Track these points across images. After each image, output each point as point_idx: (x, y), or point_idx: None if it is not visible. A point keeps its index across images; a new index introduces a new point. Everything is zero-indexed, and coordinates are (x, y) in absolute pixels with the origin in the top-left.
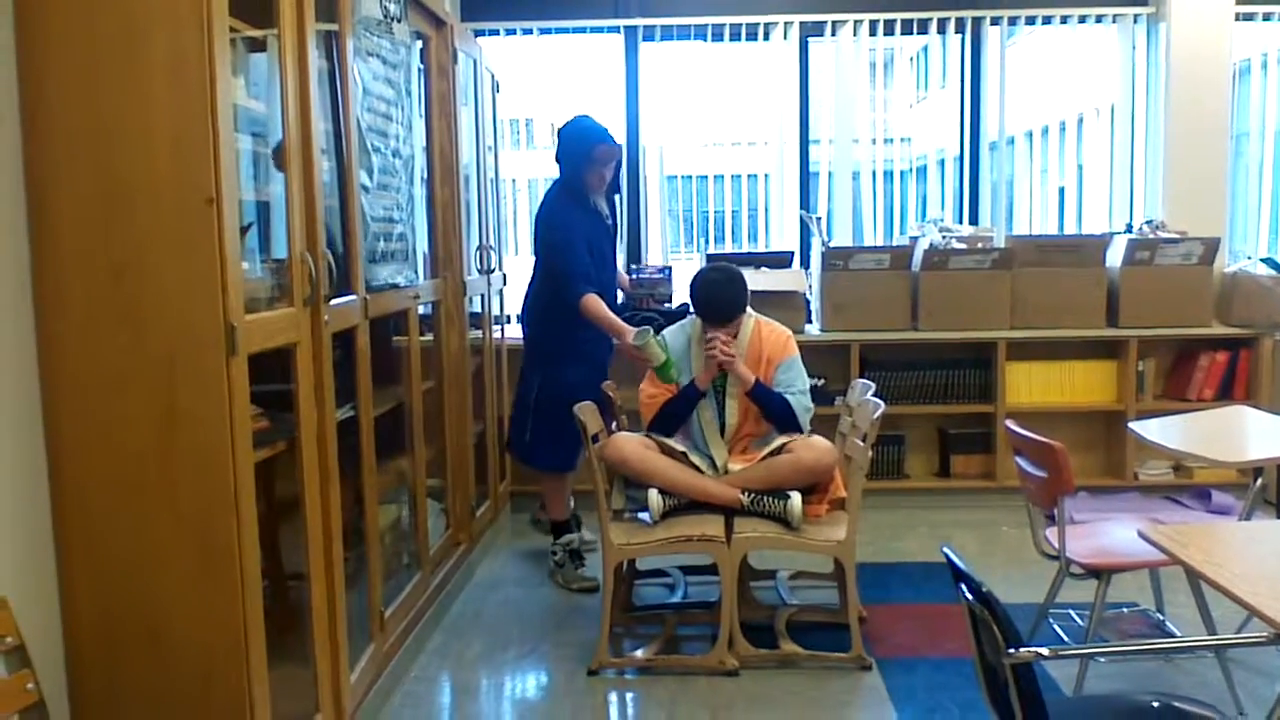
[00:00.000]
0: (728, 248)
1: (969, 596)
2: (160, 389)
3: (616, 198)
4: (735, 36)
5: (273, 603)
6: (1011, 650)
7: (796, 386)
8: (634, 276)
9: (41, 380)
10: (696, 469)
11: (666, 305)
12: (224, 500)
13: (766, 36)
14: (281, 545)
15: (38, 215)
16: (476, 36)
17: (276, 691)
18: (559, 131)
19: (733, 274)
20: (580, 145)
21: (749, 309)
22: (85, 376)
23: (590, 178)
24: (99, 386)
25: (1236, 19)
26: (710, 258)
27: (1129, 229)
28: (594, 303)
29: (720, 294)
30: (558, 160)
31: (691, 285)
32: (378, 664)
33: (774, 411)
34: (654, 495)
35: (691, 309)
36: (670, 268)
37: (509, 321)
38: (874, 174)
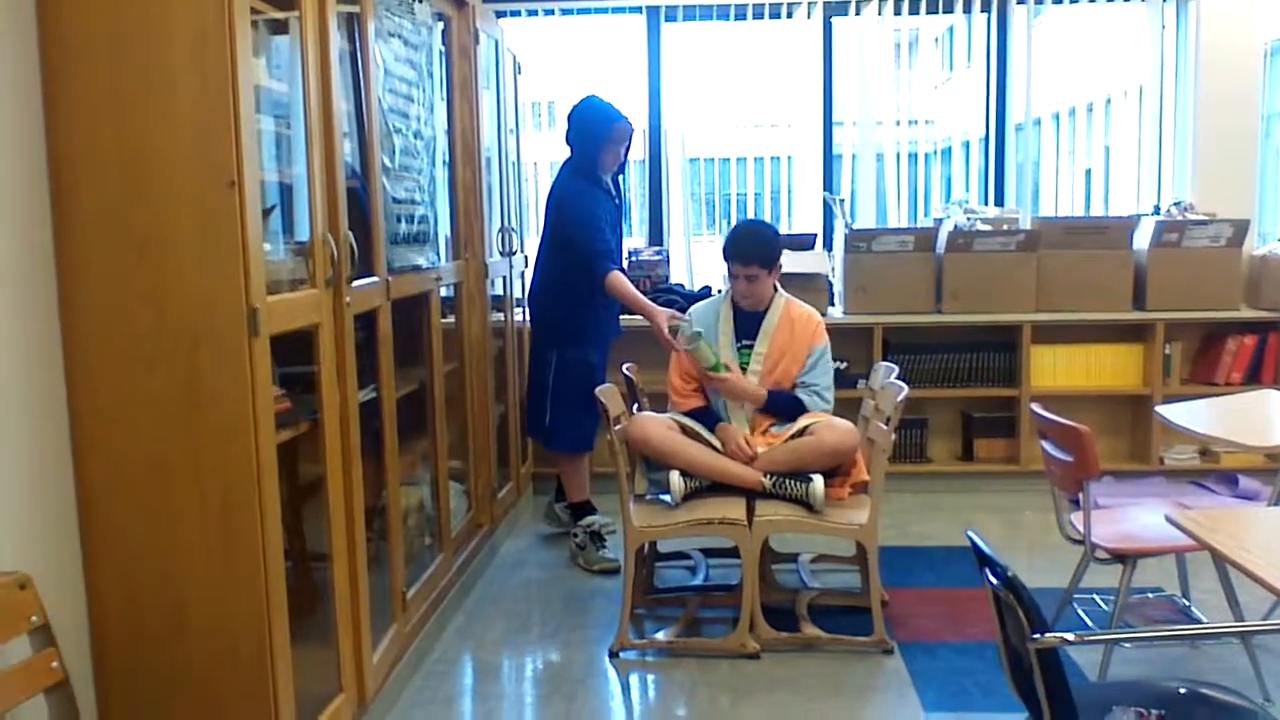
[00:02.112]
0: None
1: (994, 581)
2: (183, 369)
3: (620, 178)
4: (758, 15)
5: (295, 583)
6: (1037, 635)
7: (820, 385)
8: (632, 259)
9: (65, 360)
10: (718, 451)
11: (667, 284)
12: (247, 481)
13: (789, 15)
14: (304, 526)
15: (59, 196)
16: (498, 18)
17: (299, 671)
18: (570, 113)
19: (768, 225)
20: (596, 125)
21: (779, 289)
22: (108, 357)
23: (605, 157)
24: (122, 366)
25: None
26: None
27: (1156, 210)
28: (620, 280)
29: (748, 232)
30: (569, 142)
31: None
32: (400, 644)
33: (792, 414)
34: (675, 477)
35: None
36: (666, 250)
37: None
38: (898, 156)
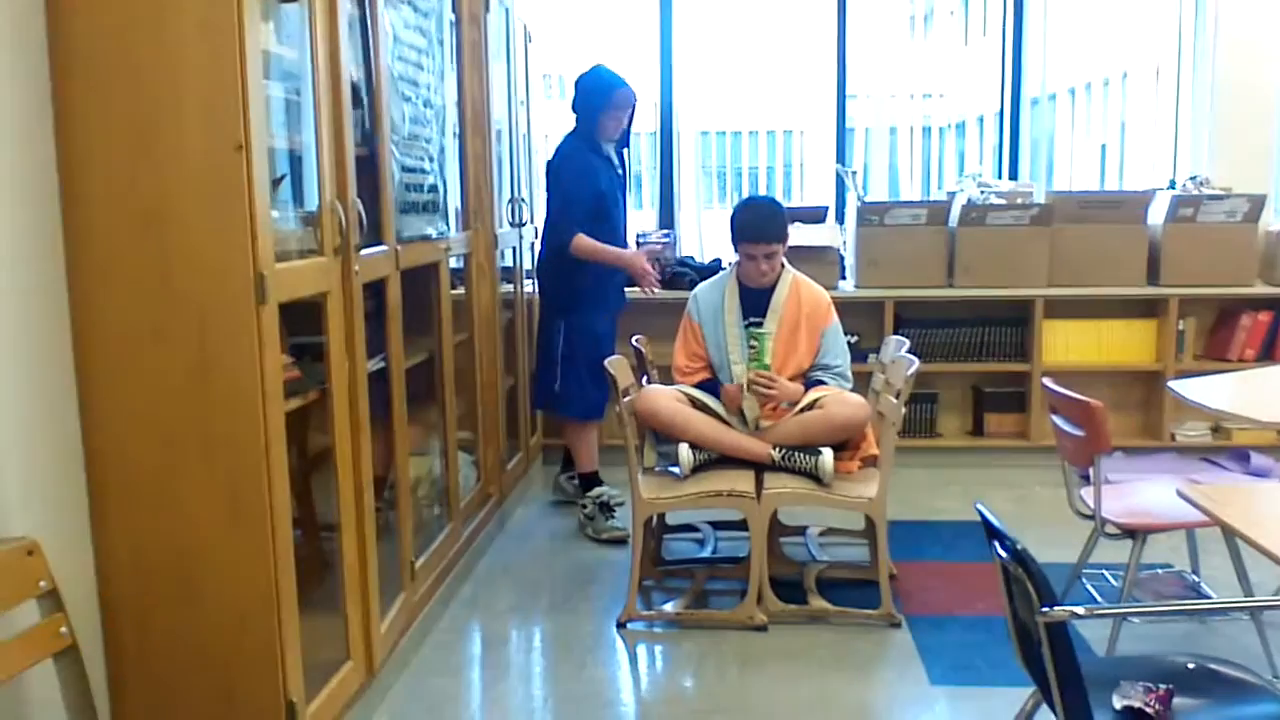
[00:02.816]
0: None
1: (1003, 554)
2: (191, 337)
3: (625, 152)
4: None
5: (304, 552)
6: (1045, 609)
7: (841, 365)
8: (640, 242)
9: (73, 329)
10: (727, 424)
11: (675, 257)
12: (255, 449)
13: None
14: (313, 496)
15: (66, 164)
16: None
17: (307, 640)
18: (576, 81)
19: (774, 201)
20: (598, 91)
21: (788, 265)
22: (115, 325)
23: (607, 122)
24: (129, 334)
25: None
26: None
27: (1172, 185)
28: (583, 240)
29: (759, 212)
30: (574, 109)
31: (732, 213)
32: (408, 614)
33: None
34: (684, 450)
35: (732, 235)
36: (673, 232)
37: None
38: (911, 129)
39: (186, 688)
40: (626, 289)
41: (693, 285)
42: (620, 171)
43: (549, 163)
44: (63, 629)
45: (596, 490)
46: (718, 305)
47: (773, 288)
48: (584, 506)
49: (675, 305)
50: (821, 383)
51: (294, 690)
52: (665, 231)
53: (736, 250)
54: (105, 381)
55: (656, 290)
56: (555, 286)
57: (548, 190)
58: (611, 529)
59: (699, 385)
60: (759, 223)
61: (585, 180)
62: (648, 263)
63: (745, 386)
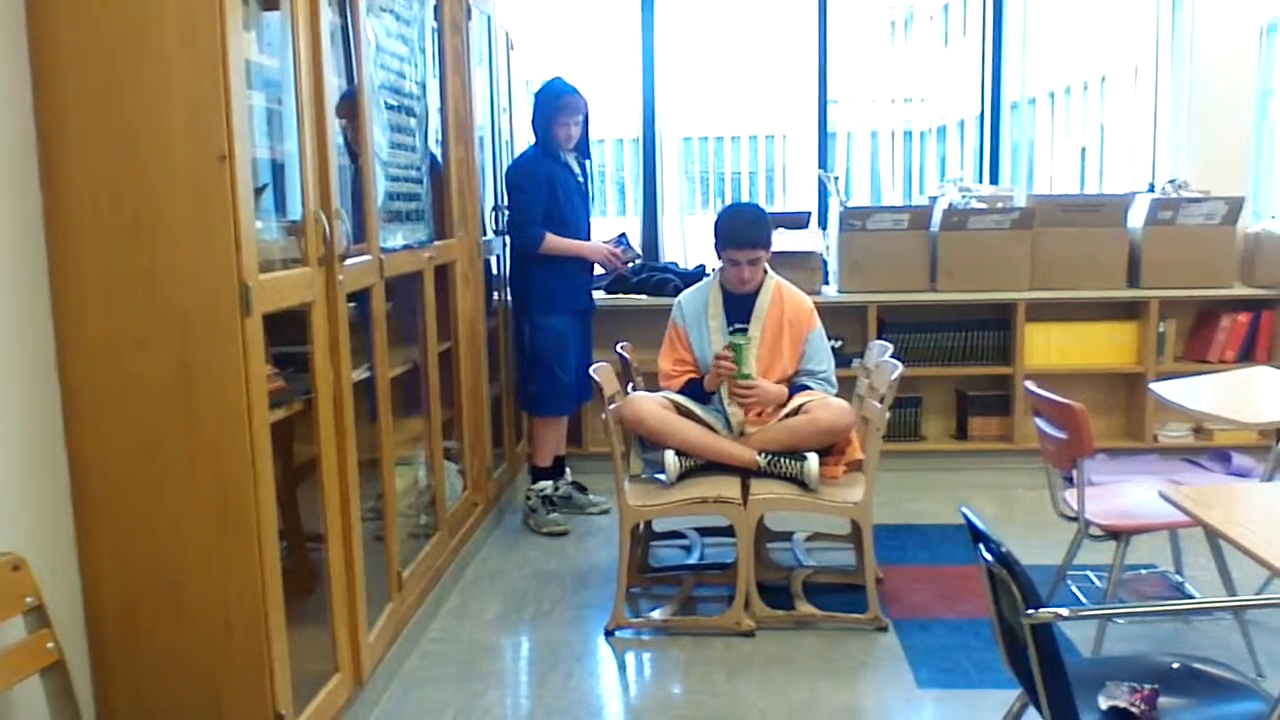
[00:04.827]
0: None
1: (988, 557)
2: (175, 348)
3: (587, 162)
4: None
5: (291, 563)
6: (1031, 611)
7: (826, 370)
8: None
9: (56, 339)
10: (713, 430)
11: (637, 261)
12: (241, 460)
13: None
14: (299, 506)
15: (50, 172)
16: None
17: (295, 651)
18: (534, 94)
19: (758, 208)
20: (547, 100)
21: (771, 271)
22: (99, 335)
23: (558, 131)
24: (113, 345)
25: None
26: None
27: (1151, 188)
28: (552, 239)
29: (742, 218)
30: (531, 122)
31: (716, 219)
32: (396, 624)
33: None
34: (670, 456)
35: (715, 241)
36: (625, 234)
37: None
38: (893, 133)
39: (174, 701)
40: (613, 297)
41: (677, 291)
42: (581, 179)
43: (507, 171)
44: (49, 644)
45: (541, 484)
46: (702, 311)
47: (756, 294)
48: (528, 499)
49: (660, 312)
50: (806, 388)
51: (282, 702)
52: (620, 234)
53: (720, 256)
54: (89, 393)
55: (626, 266)
56: (520, 289)
57: (508, 198)
58: (552, 523)
59: (686, 385)
60: (742, 229)
61: (538, 183)
62: (610, 252)
63: (722, 368)
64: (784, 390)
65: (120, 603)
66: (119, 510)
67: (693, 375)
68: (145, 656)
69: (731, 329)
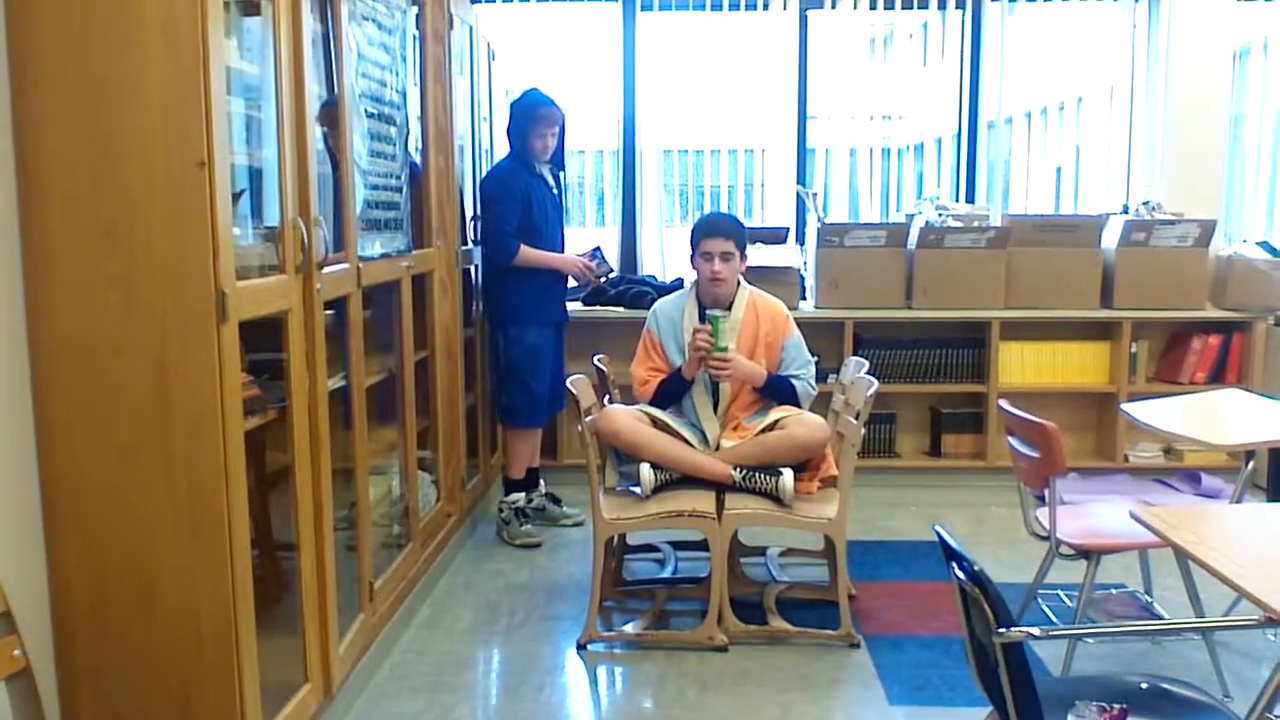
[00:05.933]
0: None
1: (960, 575)
2: (151, 354)
3: (561, 174)
4: (734, 6)
5: (262, 572)
6: (1002, 629)
7: (807, 372)
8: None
9: (30, 345)
10: (689, 444)
11: (611, 275)
12: (214, 468)
13: (766, 7)
14: (272, 515)
15: (26, 176)
16: (472, 3)
17: (265, 661)
18: (509, 105)
19: (733, 215)
20: (524, 111)
21: (744, 283)
22: (74, 341)
23: (534, 142)
24: (88, 351)
25: (1237, 0)
26: None
27: (1125, 210)
28: (527, 251)
29: (716, 214)
30: (507, 133)
31: (692, 226)
32: (367, 635)
33: (783, 398)
34: (645, 469)
35: (691, 247)
36: (599, 247)
37: None
38: (871, 151)
39: (142, 710)
40: (569, 302)
41: (653, 304)
42: (556, 191)
43: (482, 182)
44: (16, 651)
45: (513, 496)
46: (676, 319)
47: (729, 306)
48: (501, 511)
49: (637, 325)
50: (792, 377)
51: (251, 713)
52: (594, 247)
53: (694, 258)
54: (62, 398)
55: (600, 280)
56: (494, 301)
57: (483, 209)
58: (525, 535)
59: (661, 384)
60: (715, 219)
61: (513, 195)
62: (584, 265)
63: (699, 342)
64: (761, 368)
65: (89, 610)
66: (90, 516)
67: (663, 377)
68: (114, 664)
69: (716, 314)
